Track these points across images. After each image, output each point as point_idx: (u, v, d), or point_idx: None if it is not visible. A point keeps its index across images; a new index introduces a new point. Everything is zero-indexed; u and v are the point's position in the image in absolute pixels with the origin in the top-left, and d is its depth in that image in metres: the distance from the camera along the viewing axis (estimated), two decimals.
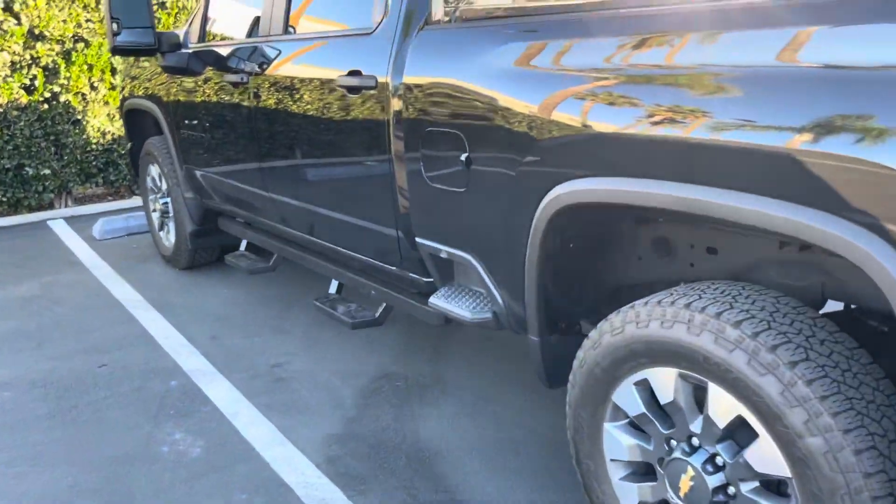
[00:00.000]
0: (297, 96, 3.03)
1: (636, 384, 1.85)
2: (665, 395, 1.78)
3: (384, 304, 3.05)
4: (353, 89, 2.67)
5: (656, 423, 1.83)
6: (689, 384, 1.75)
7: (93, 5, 6.25)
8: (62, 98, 6.26)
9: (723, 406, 1.65)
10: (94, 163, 6.59)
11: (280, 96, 3.15)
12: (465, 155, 2.20)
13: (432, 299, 2.54)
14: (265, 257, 4.10)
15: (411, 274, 2.77)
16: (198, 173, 4.28)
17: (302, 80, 3.01)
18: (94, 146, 6.54)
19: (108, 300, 4.41)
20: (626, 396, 1.88)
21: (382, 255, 2.87)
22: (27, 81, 6.07)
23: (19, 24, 5.94)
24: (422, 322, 2.92)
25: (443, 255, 2.47)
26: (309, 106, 2.96)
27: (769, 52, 1.54)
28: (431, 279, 2.68)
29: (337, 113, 2.80)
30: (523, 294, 2.17)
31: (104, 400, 3.19)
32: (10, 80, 5.97)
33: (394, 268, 2.85)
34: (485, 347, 3.52)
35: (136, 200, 6.74)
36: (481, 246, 2.29)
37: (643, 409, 1.85)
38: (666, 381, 1.77)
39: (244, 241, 4.27)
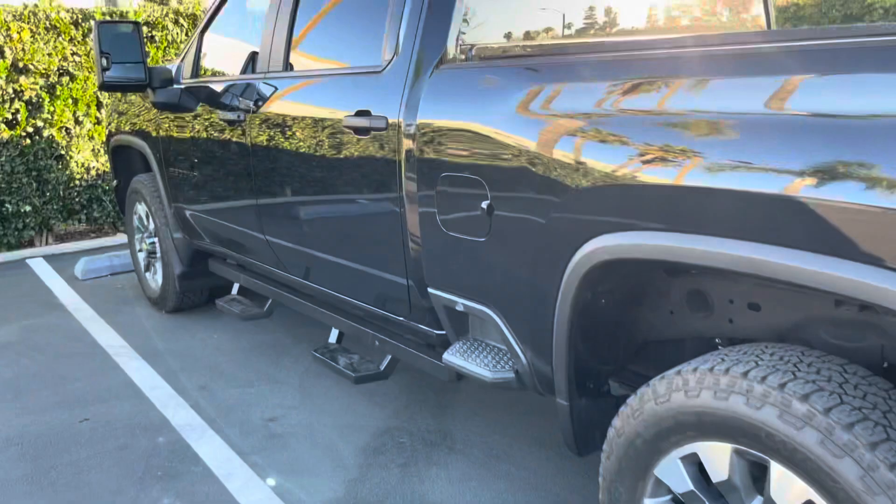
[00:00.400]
0: (298, 136, 2.88)
1: (683, 458, 1.68)
2: (718, 473, 1.61)
3: (389, 357, 2.86)
4: (361, 130, 2.51)
5: (706, 502, 1.66)
6: (745, 461, 1.58)
7: (79, 38, 6.09)
8: (45, 133, 6.06)
9: (789, 489, 1.48)
10: (77, 199, 6.38)
11: (278, 135, 2.99)
12: (487, 202, 2.04)
13: (447, 356, 2.36)
14: (259, 302, 3.91)
15: (421, 325, 2.59)
16: (188, 213, 4.10)
17: (303, 120, 2.85)
18: (77, 182, 6.33)
19: (90, 347, 4.18)
20: (672, 471, 1.70)
21: (390, 304, 2.70)
22: (9, 116, 5.88)
23: (2, 57, 5.76)
24: (425, 373, 2.74)
25: (458, 308, 2.30)
26: (311, 146, 2.80)
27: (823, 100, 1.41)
28: (443, 332, 2.50)
29: (342, 154, 2.64)
30: (551, 353, 2.00)
31: (86, 460, 2.96)
32: None
33: (402, 318, 2.67)
34: (492, 400, 3.34)
35: (121, 238, 6.53)
36: (504, 300, 2.12)
37: (691, 487, 1.67)
38: (719, 457, 1.60)
39: (236, 285, 4.07)
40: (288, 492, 2.70)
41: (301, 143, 2.86)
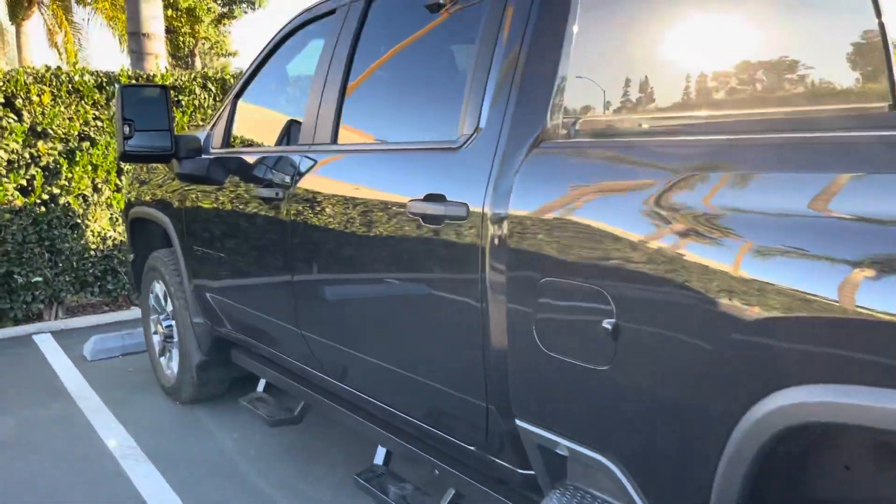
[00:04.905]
0: (348, 220, 2.43)
1: None
2: None
3: (452, 491, 2.34)
4: (431, 218, 2.06)
5: None
6: None
7: (102, 102, 5.79)
8: (61, 200, 5.70)
9: None
10: (91, 270, 5.97)
11: (324, 217, 2.56)
12: (612, 322, 1.56)
13: None
14: (289, 403, 3.40)
15: (499, 460, 2.08)
16: (210, 296, 3.65)
17: (355, 202, 2.41)
18: (92, 252, 5.93)
19: (94, 447, 3.67)
20: None
21: (459, 428, 2.19)
22: (24, 182, 5.52)
23: (20, 120, 5.44)
24: None
25: (560, 452, 1.80)
26: (364, 233, 2.35)
27: None
28: (530, 471, 1.99)
29: (405, 246, 2.18)
30: None
31: None
32: (5, 180, 5.42)
33: (473, 447, 2.16)
34: None
35: (136, 312, 6.08)
36: (631, 451, 1.62)
37: None
38: None
39: (262, 380, 3.58)
40: None
41: (351, 229, 2.41)
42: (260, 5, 22.85)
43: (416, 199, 2.12)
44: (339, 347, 2.63)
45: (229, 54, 24.98)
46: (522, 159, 1.83)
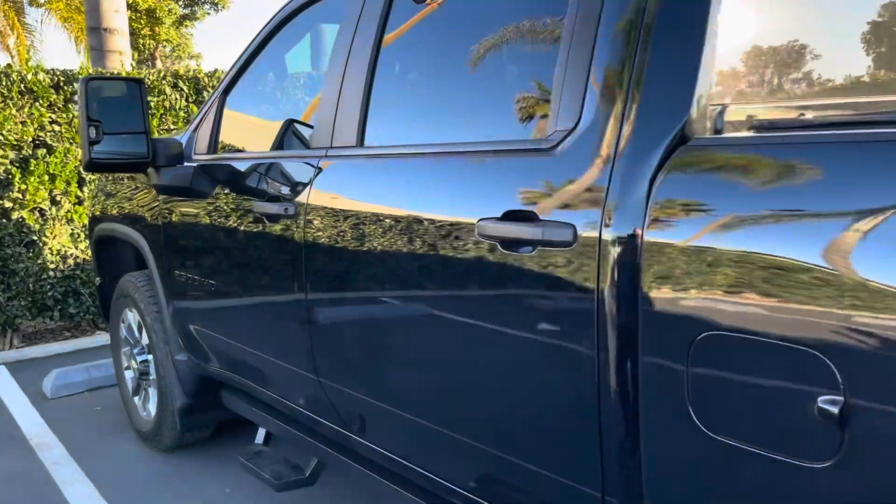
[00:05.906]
0: (385, 243, 1.90)
1: None
2: None
3: None
4: (515, 243, 1.54)
5: None
6: None
7: (60, 104, 5.15)
8: (14, 215, 5.04)
9: None
10: (49, 293, 5.32)
11: (351, 241, 2.02)
12: (838, 401, 1.07)
13: None
14: (295, 457, 2.85)
15: None
16: (194, 329, 3.08)
17: (396, 219, 1.88)
18: (51, 273, 5.28)
19: None
20: None
21: None
22: None
23: None
24: None
25: None
26: (409, 261, 1.83)
27: None
28: None
29: (475, 280, 1.66)
30: None
31: None
32: None
33: None
34: None
35: (102, 338, 5.45)
36: None
37: None
38: None
39: (261, 430, 3.01)
40: None
41: (390, 254, 1.89)
42: (224, 6, 22.10)
43: (489, 219, 1.60)
44: (376, 403, 2.10)
45: (192, 57, 24.13)
46: (660, 163, 1.33)
